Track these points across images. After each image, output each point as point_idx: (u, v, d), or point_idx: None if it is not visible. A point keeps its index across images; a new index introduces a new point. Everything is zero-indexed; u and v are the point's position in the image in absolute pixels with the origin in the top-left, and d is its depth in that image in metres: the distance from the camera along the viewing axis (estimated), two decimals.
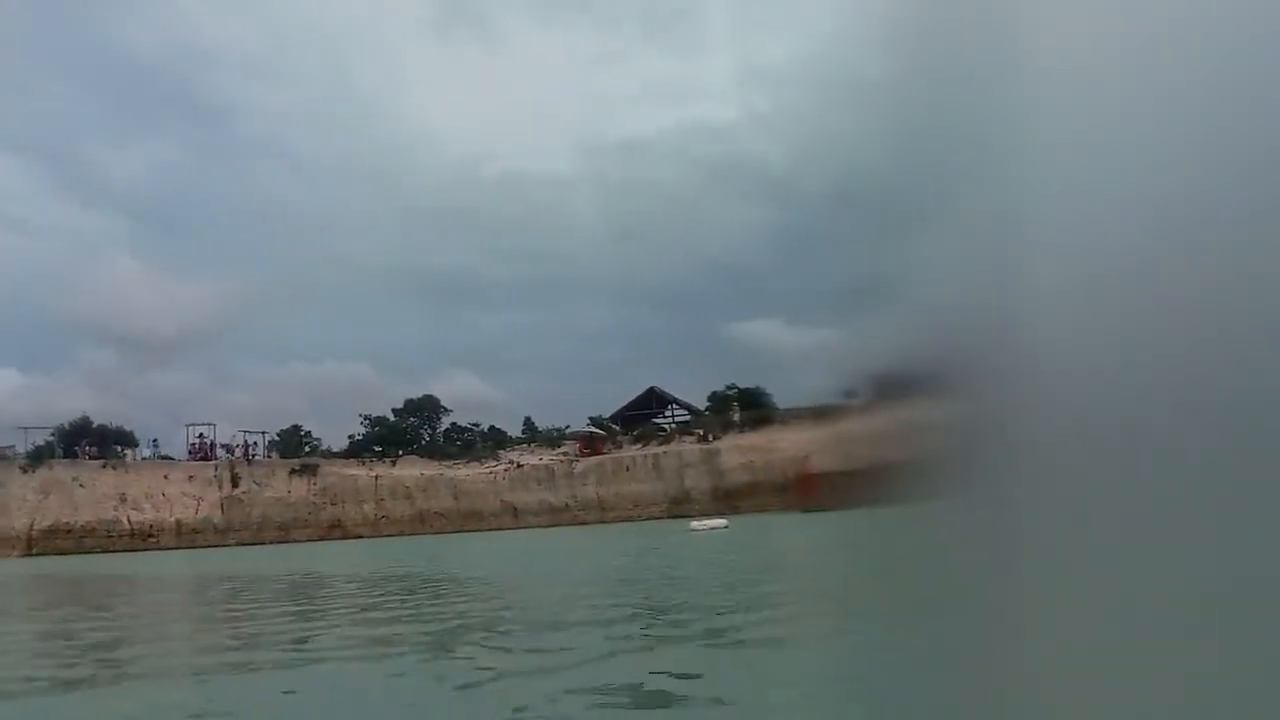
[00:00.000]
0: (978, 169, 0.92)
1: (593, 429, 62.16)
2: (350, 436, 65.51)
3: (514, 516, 55.04)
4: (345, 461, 60.93)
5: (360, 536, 53.40)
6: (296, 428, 64.49)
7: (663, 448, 55.96)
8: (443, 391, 72.92)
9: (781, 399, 63.50)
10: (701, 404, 67.47)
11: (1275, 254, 0.74)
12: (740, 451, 52.33)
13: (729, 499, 49.53)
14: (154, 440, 61.41)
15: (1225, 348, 0.76)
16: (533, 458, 59.42)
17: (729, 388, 68.32)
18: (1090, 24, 0.90)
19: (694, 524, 26.03)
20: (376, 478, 58.50)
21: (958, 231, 0.98)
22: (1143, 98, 0.85)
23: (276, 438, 63.11)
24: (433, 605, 8.98)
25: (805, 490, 38.50)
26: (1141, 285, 0.85)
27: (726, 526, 25.24)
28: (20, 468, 54.85)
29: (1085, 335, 0.88)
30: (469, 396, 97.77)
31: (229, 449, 60.60)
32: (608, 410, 67.32)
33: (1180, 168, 0.81)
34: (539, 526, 51.45)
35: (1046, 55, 0.92)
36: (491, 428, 67.87)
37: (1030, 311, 0.86)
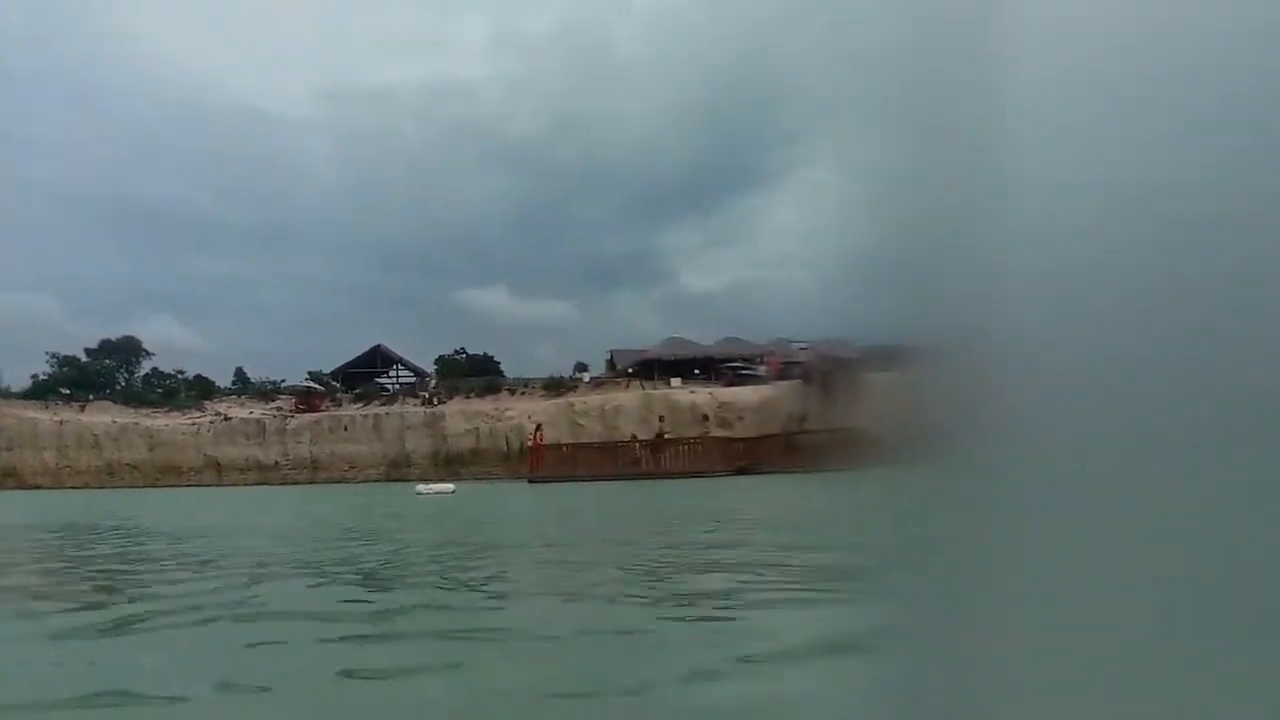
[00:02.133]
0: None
1: (311, 384, 59.01)
2: (34, 376, 59.56)
3: (217, 472, 51.30)
4: (25, 403, 55.14)
5: (38, 487, 48.40)
6: None
7: (385, 408, 53.67)
8: (144, 335, 67.78)
9: (510, 368, 62.76)
10: (429, 367, 65.75)
11: (1259, 237, 0.73)
12: (466, 417, 50.87)
13: (451, 465, 48.08)
14: None
15: (1194, 325, 0.75)
16: (242, 410, 55.61)
17: (458, 352, 66.91)
18: None
19: (420, 488, 24.70)
20: (61, 423, 53.13)
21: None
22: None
23: None
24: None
25: (536, 461, 37.89)
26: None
27: (454, 492, 24.04)
28: None
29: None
30: (175, 342, 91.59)
31: None
32: (329, 366, 64.49)
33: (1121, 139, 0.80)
34: (244, 484, 48.10)
35: None
36: (198, 376, 63.48)
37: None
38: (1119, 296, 0.78)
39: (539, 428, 41.06)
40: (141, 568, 6.69)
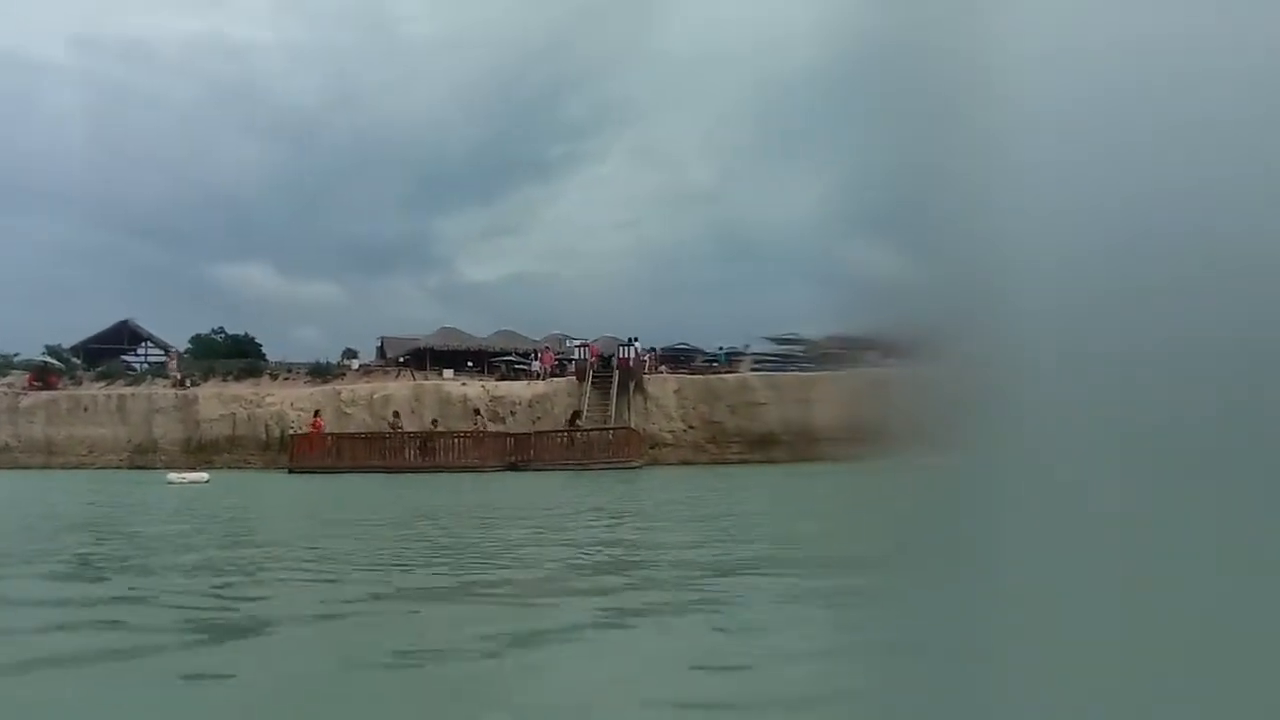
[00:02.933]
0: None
1: (48, 359, 54.40)
2: None
3: None
4: None
5: None
6: None
7: (131, 389, 50.14)
8: None
9: (271, 351, 59.96)
10: (183, 346, 62.04)
11: (1258, 240, 0.73)
12: (221, 402, 48.12)
13: (204, 452, 45.38)
14: None
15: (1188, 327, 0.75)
16: None
17: (215, 331, 63.53)
18: None
19: (172, 476, 23.15)
20: None
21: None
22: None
23: None
24: None
25: (307, 448, 36.42)
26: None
27: (208, 481, 22.63)
28: None
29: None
30: None
31: None
32: (70, 340, 59.78)
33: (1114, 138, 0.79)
34: None
35: None
36: None
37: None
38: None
39: (317, 414, 39.47)
40: None
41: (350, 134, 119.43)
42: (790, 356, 43.60)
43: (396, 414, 41.74)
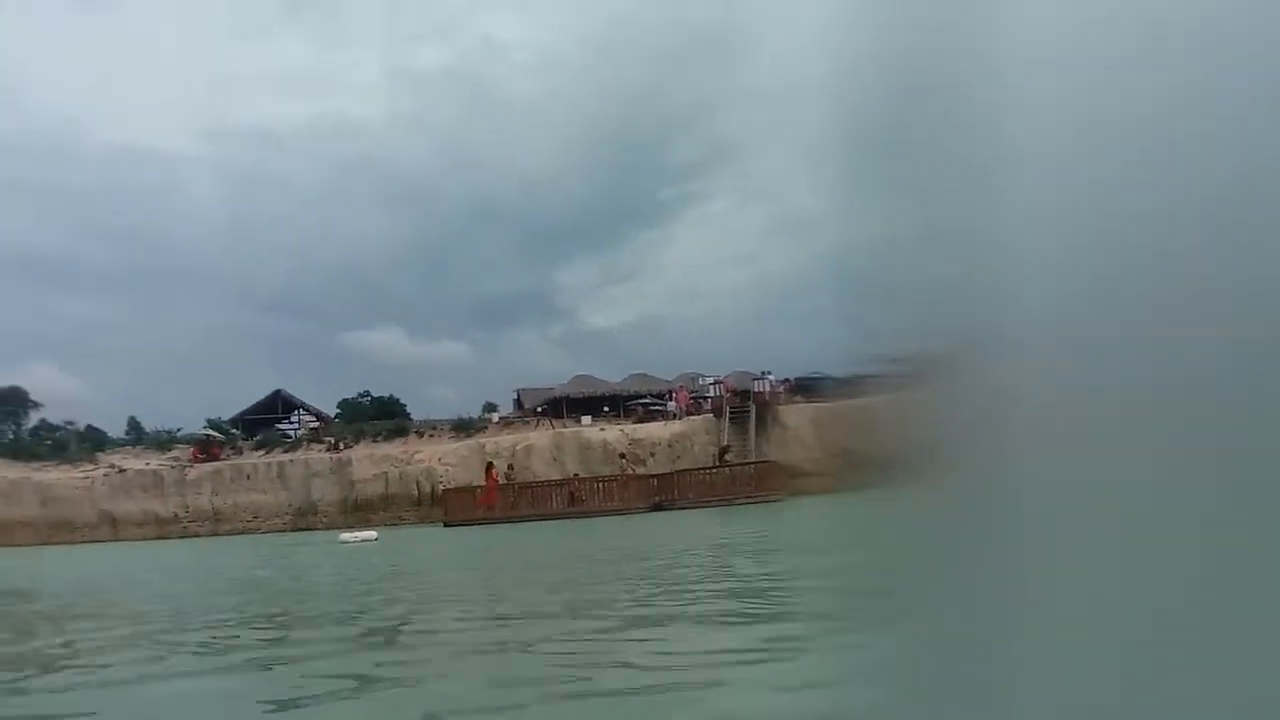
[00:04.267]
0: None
1: (210, 432, 57.25)
2: None
3: (112, 527, 49.43)
4: None
5: None
6: None
7: (289, 455, 52.43)
8: (28, 385, 65.25)
9: (413, 410, 61.91)
10: (331, 411, 64.49)
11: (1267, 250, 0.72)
12: (374, 462, 49.94)
13: (360, 511, 47.09)
14: None
15: (1209, 338, 0.74)
16: (138, 462, 53.72)
17: (361, 395, 65.78)
18: None
19: (344, 535, 24.24)
20: None
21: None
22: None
23: None
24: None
25: (489, 500, 37.34)
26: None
27: (376, 539, 23.67)
28: None
29: None
30: (58, 392, 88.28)
31: None
32: (226, 413, 62.85)
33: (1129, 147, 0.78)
34: (143, 539, 46.41)
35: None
36: (89, 427, 61.21)
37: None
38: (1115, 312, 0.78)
39: (490, 466, 40.36)
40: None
41: (466, 196, 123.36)
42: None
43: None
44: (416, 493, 47.10)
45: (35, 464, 53.65)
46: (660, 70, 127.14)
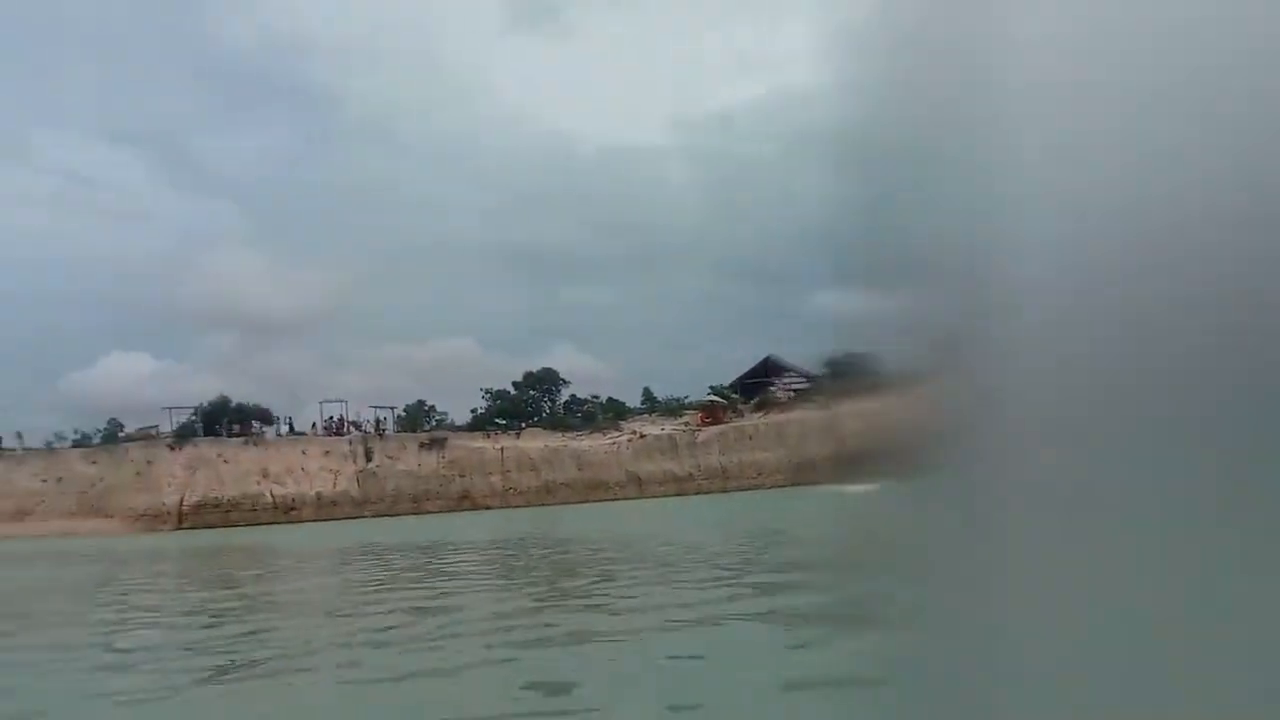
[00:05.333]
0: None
1: (713, 398, 62.34)
2: (472, 410, 66.97)
3: (638, 486, 55.84)
4: (471, 435, 62.35)
5: (489, 507, 54.81)
6: (421, 402, 66.10)
7: (784, 415, 55.96)
8: (553, 365, 73.95)
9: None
10: (817, 371, 66.80)
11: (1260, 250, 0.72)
12: (859, 418, 51.73)
13: (848, 465, 49.14)
14: (289, 418, 63.75)
15: (1214, 336, 0.73)
16: (654, 428, 60.04)
17: (846, 354, 67.76)
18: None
19: (848, 488, 26.08)
20: (502, 450, 59.78)
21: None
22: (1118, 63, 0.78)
23: (403, 413, 64.87)
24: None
25: None
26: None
27: (879, 490, 25.24)
28: (168, 446, 57.50)
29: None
30: (578, 369, 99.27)
31: (357, 425, 62.58)
32: (723, 380, 67.52)
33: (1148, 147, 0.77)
34: (663, 495, 52.11)
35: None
36: (610, 399, 68.57)
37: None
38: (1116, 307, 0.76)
39: None
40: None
41: (906, 148, 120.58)
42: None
43: None
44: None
45: (570, 434, 61.59)
46: None
